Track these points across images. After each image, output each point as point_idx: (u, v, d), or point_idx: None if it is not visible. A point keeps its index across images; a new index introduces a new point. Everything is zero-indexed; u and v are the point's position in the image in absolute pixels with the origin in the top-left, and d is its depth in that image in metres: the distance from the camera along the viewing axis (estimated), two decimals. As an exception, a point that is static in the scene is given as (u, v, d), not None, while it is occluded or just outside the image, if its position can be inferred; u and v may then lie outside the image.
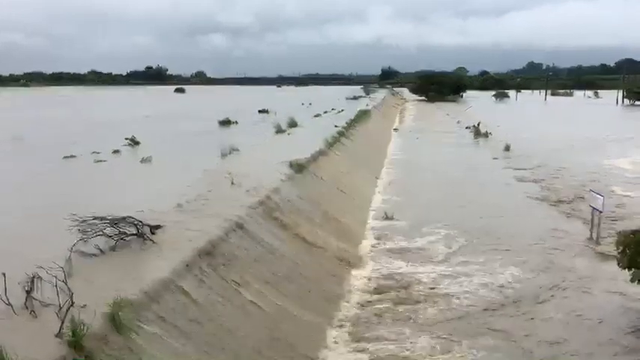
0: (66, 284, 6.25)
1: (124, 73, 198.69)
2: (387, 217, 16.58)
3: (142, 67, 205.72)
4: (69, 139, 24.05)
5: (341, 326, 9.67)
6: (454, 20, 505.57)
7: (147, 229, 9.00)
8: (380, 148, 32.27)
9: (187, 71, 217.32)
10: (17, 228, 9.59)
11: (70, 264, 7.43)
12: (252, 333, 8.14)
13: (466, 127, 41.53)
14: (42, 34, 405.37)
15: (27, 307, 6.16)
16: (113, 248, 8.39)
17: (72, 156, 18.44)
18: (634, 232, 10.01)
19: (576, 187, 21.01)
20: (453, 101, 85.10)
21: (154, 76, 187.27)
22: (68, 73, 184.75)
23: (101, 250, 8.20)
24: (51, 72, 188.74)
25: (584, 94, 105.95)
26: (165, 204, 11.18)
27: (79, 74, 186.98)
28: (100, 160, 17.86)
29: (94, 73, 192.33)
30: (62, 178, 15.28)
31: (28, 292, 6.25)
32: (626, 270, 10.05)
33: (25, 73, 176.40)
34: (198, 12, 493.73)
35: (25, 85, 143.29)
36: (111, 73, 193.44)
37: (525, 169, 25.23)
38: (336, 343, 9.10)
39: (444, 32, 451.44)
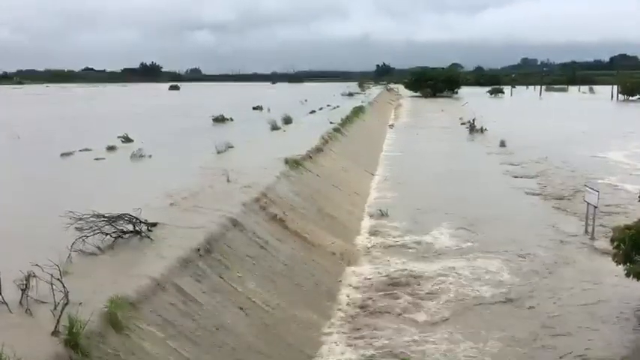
0: (61, 282, 6.23)
1: (119, 70, 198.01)
2: (382, 214, 16.59)
3: (133, 64, 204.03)
4: (65, 136, 24.06)
5: (336, 322, 9.66)
6: (433, 16, 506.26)
7: (144, 227, 9.01)
8: (375, 145, 32.27)
9: (180, 68, 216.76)
10: (15, 226, 9.57)
11: (69, 262, 7.45)
12: (249, 330, 8.15)
13: (462, 124, 41.46)
14: (29, 30, 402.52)
15: (22, 306, 6.15)
16: (111, 246, 8.40)
17: (69, 153, 18.52)
18: (628, 227, 10.03)
19: (572, 182, 21.07)
20: (448, 97, 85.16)
21: (148, 72, 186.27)
22: (62, 71, 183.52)
23: (99, 248, 8.20)
24: (43, 69, 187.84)
25: (579, 90, 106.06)
26: (162, 201, 11.20)
27: (72, 72, 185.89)
28: (98, 158, 17.91)
29: (88, 70, 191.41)
30: (60, 176, 15.25)
31: (24, 291, 6.24)
32: (622, 265, 10.09)
33: (18, 71, 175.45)
34: (186, 8, 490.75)
35: (19, 83, 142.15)
36: (104, 70, 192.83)
37: (521, 165, 25.27)
38: (331, 338, 9.09)
39: (430, 28, 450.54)
